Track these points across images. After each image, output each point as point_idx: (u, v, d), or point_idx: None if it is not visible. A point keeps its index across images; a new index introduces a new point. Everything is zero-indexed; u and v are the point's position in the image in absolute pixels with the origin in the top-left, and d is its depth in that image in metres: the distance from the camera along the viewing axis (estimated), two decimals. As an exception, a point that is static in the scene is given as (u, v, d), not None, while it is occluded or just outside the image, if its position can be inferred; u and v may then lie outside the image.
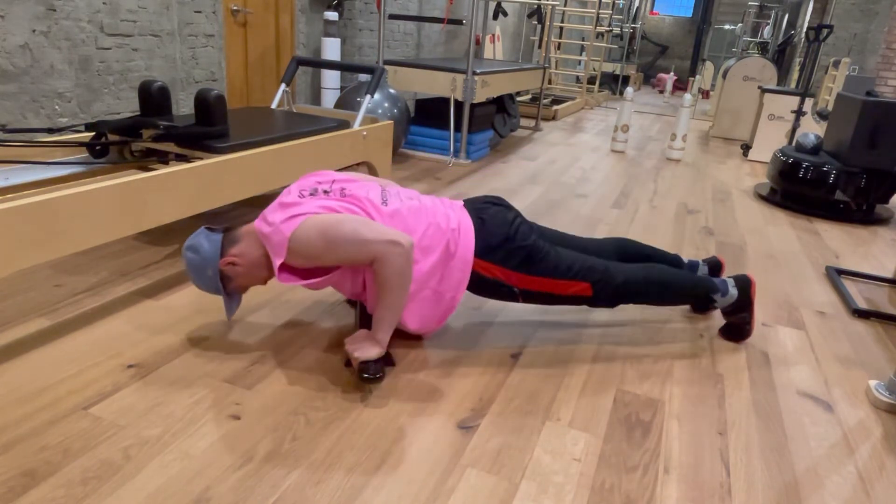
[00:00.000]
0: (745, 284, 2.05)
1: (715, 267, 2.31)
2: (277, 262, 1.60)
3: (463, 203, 1.92)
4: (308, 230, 1.58)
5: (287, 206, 1.67)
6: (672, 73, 12.51)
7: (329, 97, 4.53)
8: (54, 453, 1.32)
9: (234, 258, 1.71)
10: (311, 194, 1.72)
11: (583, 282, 1.88)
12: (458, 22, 5.20)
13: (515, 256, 1.82)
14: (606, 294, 1.91)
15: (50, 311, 1.90)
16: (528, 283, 1.85)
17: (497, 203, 1.91)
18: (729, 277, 2.08)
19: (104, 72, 3.03)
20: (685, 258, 2.32)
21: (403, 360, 1.81)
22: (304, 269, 1.71)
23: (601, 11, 9.82)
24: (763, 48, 10.92)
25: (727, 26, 15.26)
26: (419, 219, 1.75)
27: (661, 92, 13.61)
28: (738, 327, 2.10)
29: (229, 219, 2.87)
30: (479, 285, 1.84)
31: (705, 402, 1.75)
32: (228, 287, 1.76)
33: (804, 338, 2.21)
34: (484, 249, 1.80)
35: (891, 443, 1.64)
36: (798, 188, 4.00)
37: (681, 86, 12.63)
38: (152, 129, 2.35)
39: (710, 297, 2.05)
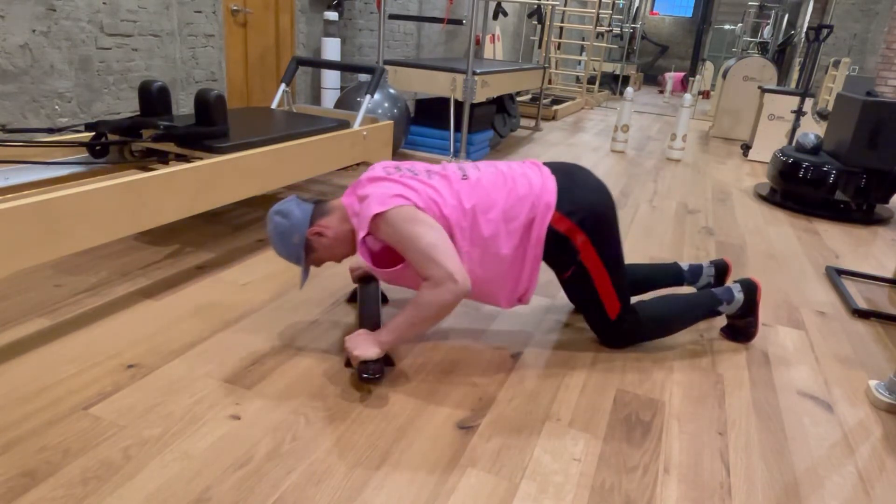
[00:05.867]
0: (750, 289, 2.02)
1: (722, 269, 2.29)
2: (360, 235, 1.64)
3: (543, 163, 1.92)
4: (394, 218, 1.61)
5: (376, 180, 1.73)
6: (694, 77, 12.36)
7: (329, 97, 4.52)
8: (54, 453, 1.32)
9: (322, 229, 1.76)
10: (395, 169, 1.78)
11: (619, 302, 1.87)
12: (458, 22, 5.21)
13: (595, 224, 1.79)
14: (624, 327, 1.90)
15: (50, 311, 1.90)
16: (590, 258, 1.80)
17: (584, 169, 1.91)
18: (735, 282, 2.06)
19: (104, 72, 3.03)
20: (687, 262, 2.31)
21: (403, 360, 1.81)
22: (381, 256, 1.81)
23: (601, 11, 9.83)
24: (763, 48, 10.92)
25: (727, 26, 15.26)
26: (499, 187, 1.76)
27: (661, 92, 13.61)
28: (742, 330, 2.10)
29: (231, 218, 2.87)
30: (546, 241, 1.79)
31: (705, 402, 1.74)
32: (308, 258, 1.80)
33: (804, 338, 2.21)
34: (567, 203, 1.77)
35: (891, 443, 1.64)
36: (798, 188, 4.00)
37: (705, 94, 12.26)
38: (152, 129, 2.35)
39: (717, 312, 2.04)
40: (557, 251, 1.79)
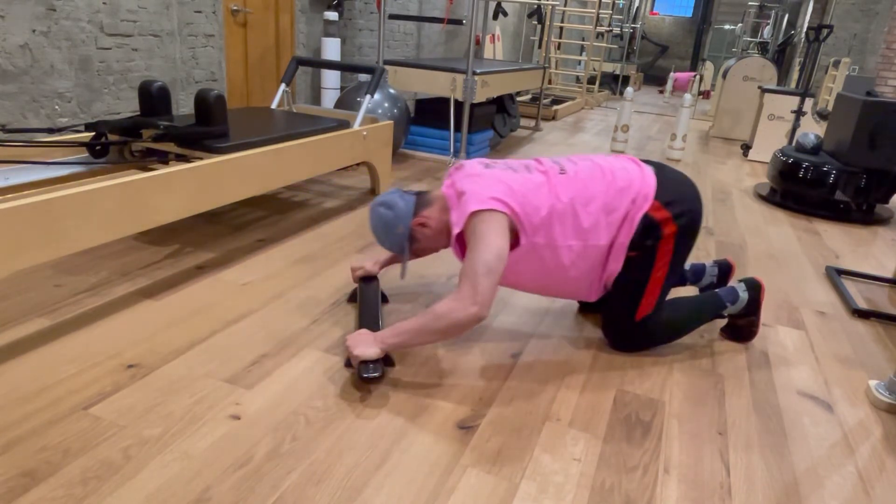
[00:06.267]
0: (755, 288, 2.02)
1: (725, 269, 2.29)
2: (455, 231, 1.68)
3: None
4: (482, 220, 1.64)
5: (474, 176, 1.74)
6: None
7: (329, 97, 4.52)
8: (54, 453, 1.32)
9: (425, 219, 1.80)
10: (493, 163, 1.81)
11: (654, 305, 1.87)
12: (458, 22, 5.20)
13: (688, 223, 1.80)
14: (641, 332, 1.90)
15: (50, 311, 1.90)
16: (665, 251, 1.81)
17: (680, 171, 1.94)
18: (739, 281, 2.06)
19: (104, 72, 3.03)
20: (688, 262, 2.31)
21: (403, 360, 1.81)
22: None
23: (601, 11, 9.83)
24: (763, 48, 10.92)
25: (727, 26, 15.26)
26: (598, 180, 1.78)
27: (662, 92, 13.61)
28: (744, 329, 2.09)
29: (231, 218, 2.87)
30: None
31: (705, 402, 1.74)
32: (411, 248, 1.84)
33: (804, 338, 2.21)
34: (667, 195, 1.80)
35: (891, 443, 1.64)
36: (798, 188, 4.00)
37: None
38: (152, 129, 2.35)
39: (721, 315, 2.03)
40: (641, 236, 1.79)
